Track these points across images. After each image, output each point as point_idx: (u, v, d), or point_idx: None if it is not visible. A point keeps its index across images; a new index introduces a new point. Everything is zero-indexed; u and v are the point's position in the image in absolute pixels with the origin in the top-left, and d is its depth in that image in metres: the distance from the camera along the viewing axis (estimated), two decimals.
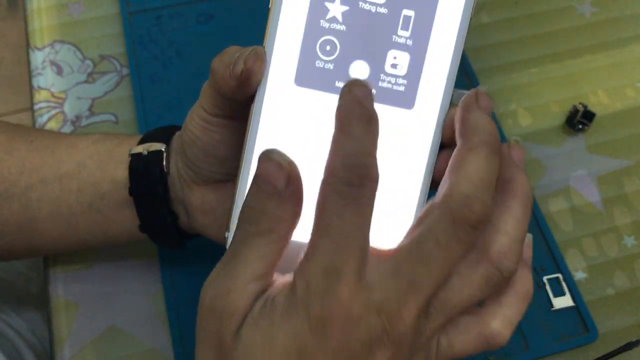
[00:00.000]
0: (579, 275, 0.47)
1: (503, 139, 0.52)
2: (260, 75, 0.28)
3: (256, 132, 0.29)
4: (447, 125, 0.29)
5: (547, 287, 0.46)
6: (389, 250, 0.25)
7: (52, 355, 0.44)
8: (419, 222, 0.26)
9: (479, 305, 0.28)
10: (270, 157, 0.25)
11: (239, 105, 0.31)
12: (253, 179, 0.25)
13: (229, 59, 0.29)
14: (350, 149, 0.24)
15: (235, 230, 0.26)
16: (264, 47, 0.29)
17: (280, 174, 0.24)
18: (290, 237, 0.26)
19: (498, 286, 0.26)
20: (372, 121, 0.25)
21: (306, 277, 0.24)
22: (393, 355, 0.24)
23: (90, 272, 0.46)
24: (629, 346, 0.41)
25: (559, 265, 0.47)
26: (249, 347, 0.24)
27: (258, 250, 0.25)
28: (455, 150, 0.27)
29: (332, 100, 0.29)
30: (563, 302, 0.45)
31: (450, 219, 0.25)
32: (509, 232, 0.26)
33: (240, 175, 0.29)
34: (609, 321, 0.45)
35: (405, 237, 0.26)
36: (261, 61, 0.28)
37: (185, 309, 0.45)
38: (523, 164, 0.28)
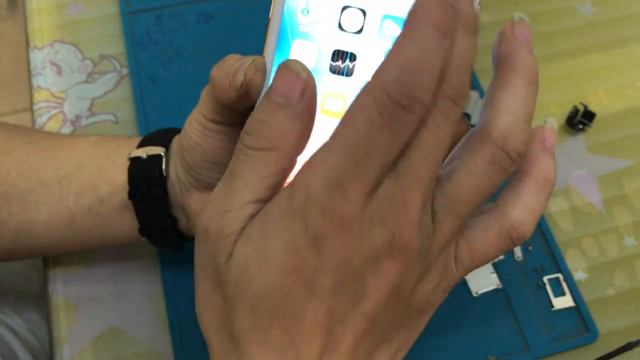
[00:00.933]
0: (579, 275, 0.47)
1: None
2: (261, 87, 0.28)
3: None
4: None
5: (548, 287, 0.46)
6: None
7: (51, 355, 0.44)
8: None
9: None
10: (288, 66, 0.22)
11: (239, 113, 0.31)
12: (266, 91, 0.23)
13: (229, 69, 0.29)
14: (411, 60, 0.20)
15: (237, 145, 0.23)
16: (264, 58, 0.29)
17: (295, 85, 0.22)
18: (296, 161, 0.23)
19: (507, 170, 0.23)
20: (447, 35, 0.21)
21: (308, 187, 0.21)
22: (404, 266, 0.22)
23: (90, 272, 0.46)
24: (629, 346, 0.41)
25: (559, 265, 0.47)
26: (243, 266, 0.22)
27: (259, 168, 0.23)
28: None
29: None
30: (563, 302, 0.45)
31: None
32: (512, 110, 0.23)
33: None
34: (609, 321, 0.45)
35: None
36: (261, 72, 0.28)
37: (186, 309, 0.45)
38: (529, 42, 0.25)
